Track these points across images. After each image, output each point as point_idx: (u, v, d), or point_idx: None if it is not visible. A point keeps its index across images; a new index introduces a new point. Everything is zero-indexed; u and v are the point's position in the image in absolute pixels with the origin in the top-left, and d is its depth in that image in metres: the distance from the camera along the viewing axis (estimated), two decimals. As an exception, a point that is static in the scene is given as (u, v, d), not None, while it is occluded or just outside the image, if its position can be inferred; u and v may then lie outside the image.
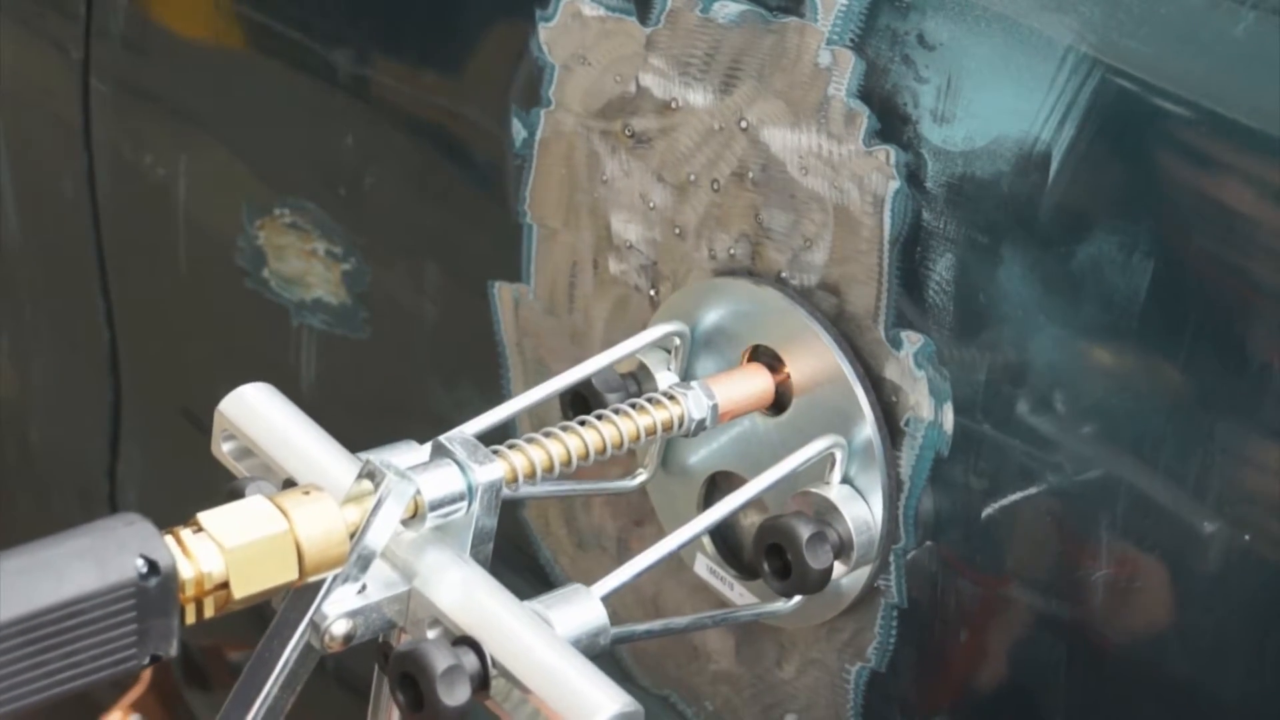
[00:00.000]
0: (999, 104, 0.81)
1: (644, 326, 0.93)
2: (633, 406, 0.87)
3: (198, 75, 1.23)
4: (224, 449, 0.82)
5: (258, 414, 0.82)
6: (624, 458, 0.90)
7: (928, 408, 0.84)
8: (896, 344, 0.85)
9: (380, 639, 0.77)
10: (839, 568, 0.87)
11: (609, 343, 0.94)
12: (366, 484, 0.76)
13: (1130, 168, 0.79)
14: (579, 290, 0.99)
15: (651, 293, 0.94)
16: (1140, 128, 0.78)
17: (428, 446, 0.80)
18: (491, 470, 0.78)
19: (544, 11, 0.96)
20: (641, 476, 0.96)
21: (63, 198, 1.35)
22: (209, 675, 1.41)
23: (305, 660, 0.75)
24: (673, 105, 0.91)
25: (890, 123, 0.83)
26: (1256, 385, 0.75)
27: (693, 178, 0.91)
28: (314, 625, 0.74)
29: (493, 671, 0.73)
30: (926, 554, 0.86)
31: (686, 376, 0.92)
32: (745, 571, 0.95)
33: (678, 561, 0.97)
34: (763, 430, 0.91)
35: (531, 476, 0.82)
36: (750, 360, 0.90)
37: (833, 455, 0.87)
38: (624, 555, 1.01)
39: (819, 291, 0.87)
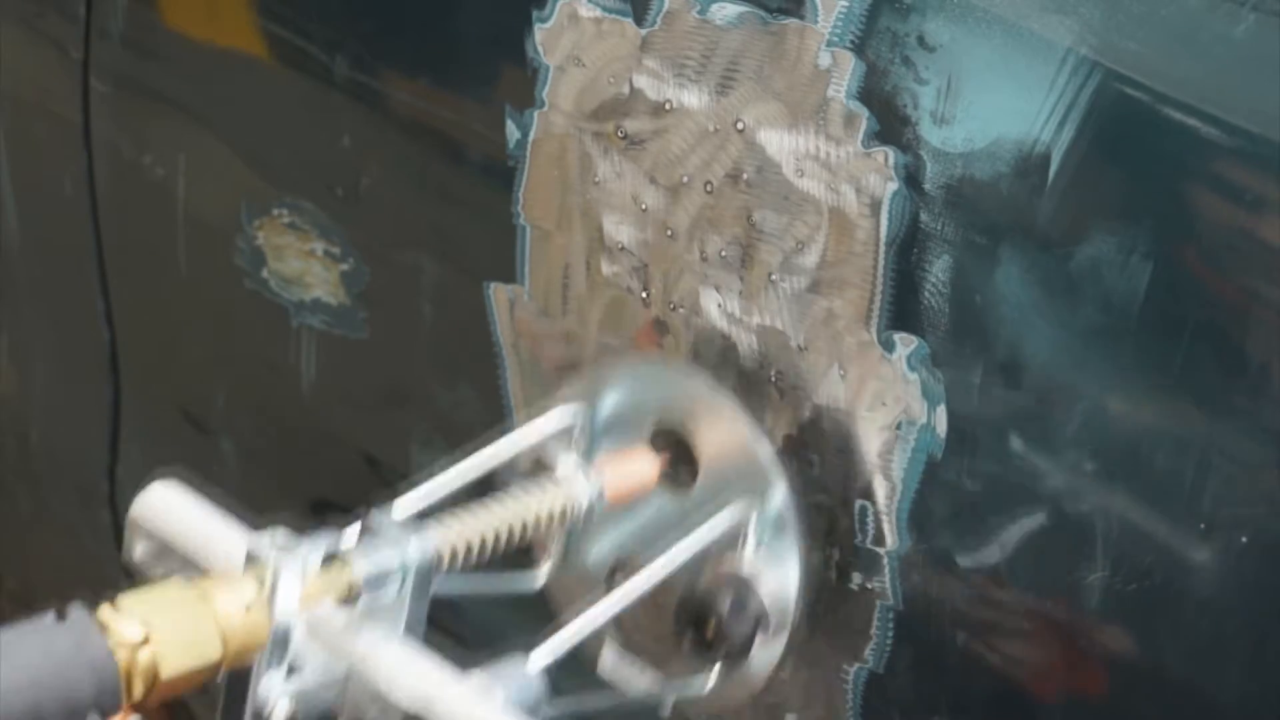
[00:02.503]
0: (999, 106, 0.81)
1: (636, 329, 0.93)
2: (526, 493, 0.86)
3: (197, 75, 1.23)
4: (137, 552, 0.82)
5: (171, 511, 0.82)
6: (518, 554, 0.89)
7: (920, 410, 0.84)
8: (889, 347, 0.85)
9: None
10: (759, 639, 0.87)
11: (602, 345, 0.94)
12: (256, 567, 0.76)
13: (1129, 170, 0.79)
14: (572, 292, 0.99)
15: (644, 295, 0.94)
16: (1140, 130, 0.78)
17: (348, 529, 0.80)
18: (425, 546, 0.78)
19: (540, 12, 0.96)
20: (545, 570, 0.94)
21: (63, 197, 1.35)
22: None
23: None
24: (666, 107, 0.91)
25: (889, 124, 0.83)
26: (1254, 387, 0.75)
27: (685, 179, 0.91)
28: (257, 712, 0.74)
29: None
30: (920, 556, 0.86)
31: (589, 459, 0.91)
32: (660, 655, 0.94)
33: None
34: (670, 509, 0.91)
35: (457, 556, 0.82)
36: (656, 438, 0.90)
37: (746, 525, 0.87)
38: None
39: (809, 294, 0.87)
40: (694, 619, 0.86)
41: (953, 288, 0.82)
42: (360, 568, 0.77)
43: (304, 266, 1.16)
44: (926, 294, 0.83)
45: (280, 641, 0.74)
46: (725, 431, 0.88)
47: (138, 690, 0.70)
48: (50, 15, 1.33)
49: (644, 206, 0.93)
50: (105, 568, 1.45)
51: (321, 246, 1.14)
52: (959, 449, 0.83)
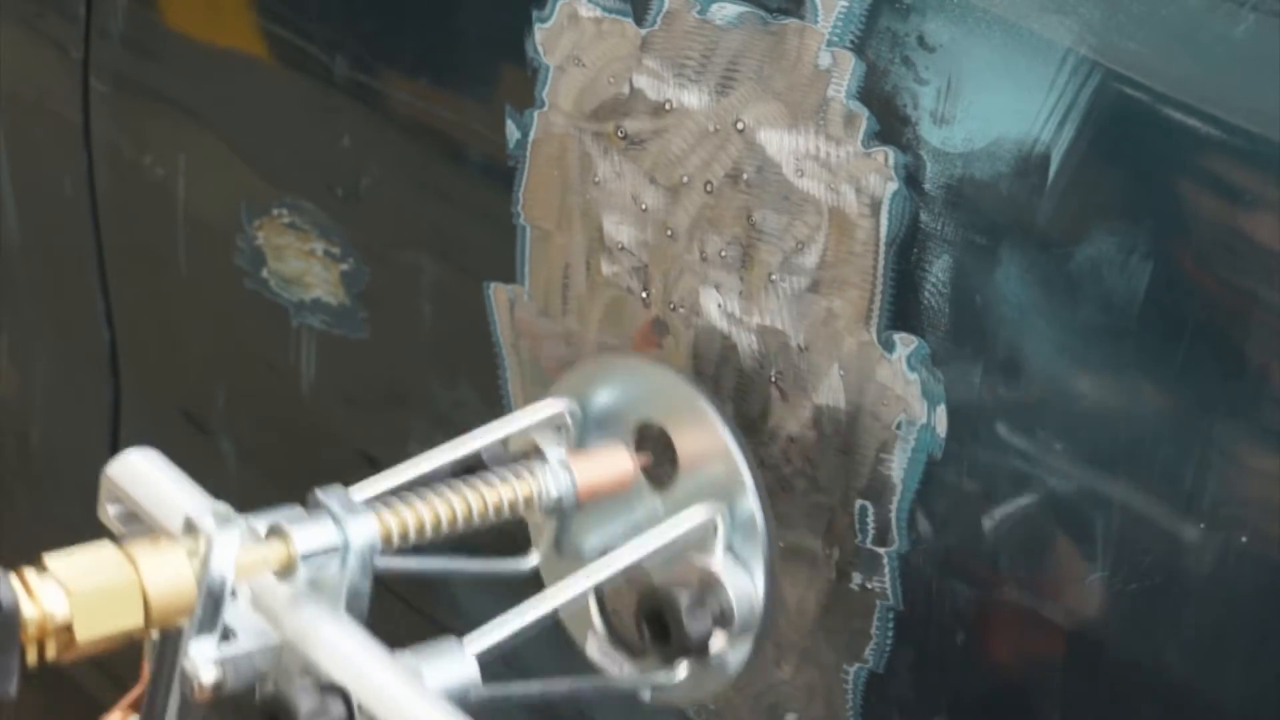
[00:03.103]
0: (999, 106, 0.81)
1: (636, 329, 0.93)
2: (499, 479, 0.87)
3: (197, 75, 1.23)
4: (109, 513, 0.82)
5: (140, 476, 0.82)
6: (517, 538, 0.90)
7: (920, 410, 0.84)
8: (889, 347, 0.85)
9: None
10: (720, 637, 0.87)
11: (602, 345, 0.94)
12: (195, 533, 0.76)
13: (1129, 170, 0.79)
14: (572, 292, 0.99)
15: (644, 295, 0.94)
16: (1139, 130, 0.78)
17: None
18: (365, 524, 0.79)
19: (540, 12, 0.96)
20: (534, 558, 0.95)
21: (63, 197, 1.35)
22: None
23: (189, 714, 0.75)
24: (666, 107, 0.91)
25: (889, 124, 0.83)
26: (1254, 387, 0.75)
27: (685, 179, 0.91)
28: (183, 674, 0.74)
29: None
30: (920, 556, 0.86)
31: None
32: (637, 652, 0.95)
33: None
34: (650, 507, 0.91)
35: (405, 535, 0.82)
36: (641, 438, 0.91)
37: (715, 525, 0.88)
38: None
39: (809, 294, 0.87)
40: (654, 614, 0.86)
41: (953, 288, 0.82)
42: (300, 542, 0.77)
43: (304, 266, 1.16)
44: (926, 294, 0.83)
45: (211, 607, 0.74)
46: (700, 433, 0.88)
47: (51, 650, 0.70)
48: (50, 15, 1.33)
49: (644, 206, 0.93)
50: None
51: (321, 246, 1.14)
52: (959, 449, 0.83)
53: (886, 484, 0.87)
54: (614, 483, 0.91)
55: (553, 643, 1.02)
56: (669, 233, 0.93)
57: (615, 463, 0.91)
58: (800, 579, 0.92)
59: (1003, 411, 0.82)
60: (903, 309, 0.84)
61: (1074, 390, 0.80)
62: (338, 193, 1.13)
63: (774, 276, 0.88)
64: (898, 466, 0.86)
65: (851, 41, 0.84)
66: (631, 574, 0.91)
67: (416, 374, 1.13)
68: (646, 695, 0.93)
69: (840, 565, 0.90)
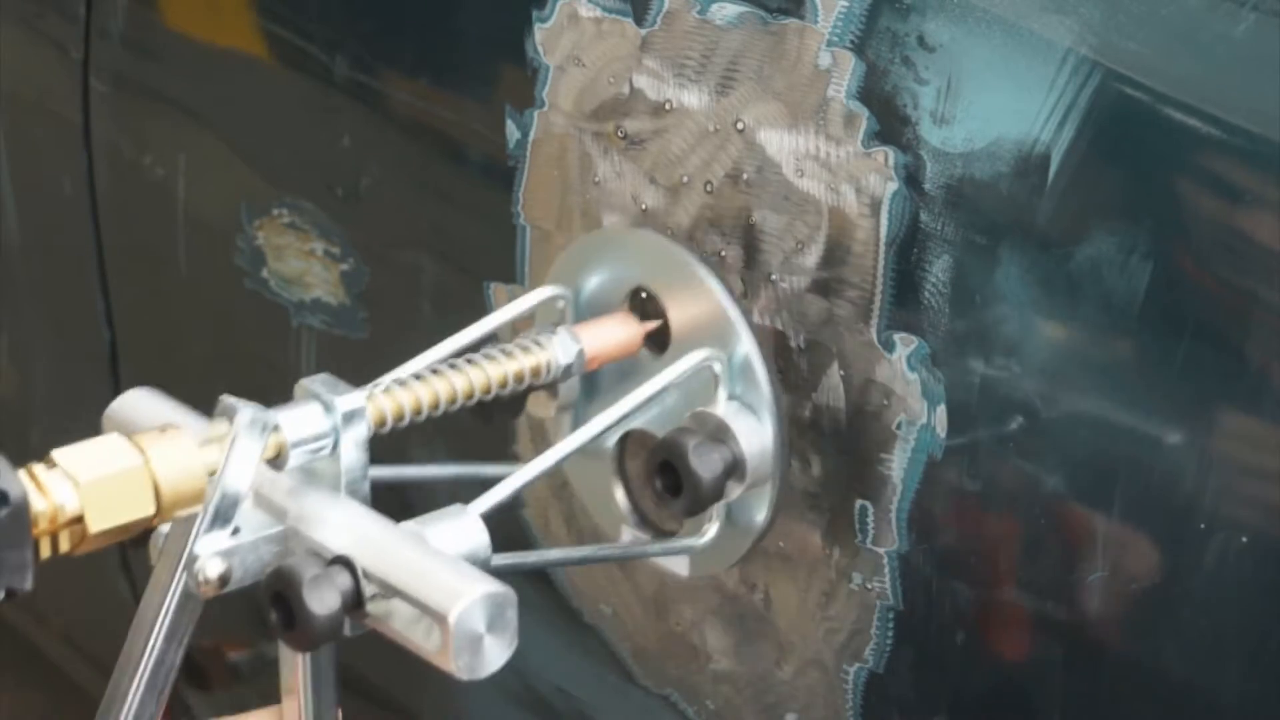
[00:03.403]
0: (999, 106, 0.81)
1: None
2: (503, 353, 0.87)
3: (197, 75, 1.23)
4: None
5: (142, 407, 0.82)
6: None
7: (920, 410, 0.84)
8: (889, 347, 0.85)
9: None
10: (734, 486, 0.87)
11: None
12: (223, 423, 0.75)
13: (1129, 170, 0.79)
14: (573, 292, 0.99)
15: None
16: (1140, 130, 0.78)
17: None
18: (352, 402, 0.77)
19: (540, 12, 0.96)
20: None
21: (63, 197, 1.35)
22: (209, 675, 1.41)
23: (186, 610, 0.75)
24: (667, 107, 0.91)
25: (889, 124, 0.83)
26: (1254, 387, 0.75)
27: (685, 179, 0.91)
28: (189, 569, 0.74)
29: (368, 590, 0.72)
30: (921, 556, 0.86)
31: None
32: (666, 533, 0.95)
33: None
34: (653, 373, 0.91)
35: (400, 417, 0.82)
36: (632, 309, 0.91)
37: (713, 371, 0.88)
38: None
39: (809, 294, 0.87)
40: (664, 463, 0.86)
41: (953, 288, 0.82)
42: (288, 428, 0.76)
43: (304, 266, 1.16)
44: (926, 294, 0.83)
45: (229, 503, 0.74)
46: (689, 289, 0.88)
47: (65, 543, 0.70)
48: (50, 15, 1.33)
49: (644, 206, 0.93)
50: (106, 567, 1.45)
51: (321, 246, 1.14)
52: (959, 449, 0.83)
53: (886, 484, 0.87)
54: (621, 345, 0.91)
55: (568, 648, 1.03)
56: (669, 233, 0.93)
57: (618, 325, 0.91)
58: (800, 579, 0.92)
59: (1003, 412, 0.82)
60: (903, 309, 0.84)
61: (1074, 390, 0.80)
62: (338, 193, 1.13)
63: (774, 276, 0.88)
64: (898, 466, 0.86)
65: (851, 41, 0.84)
66: (637, 437, 0.92)
67: (416, 374, 1.13)
68: (684, 568, 0.92)
69: (840, 565, 0.90)
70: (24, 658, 1.72)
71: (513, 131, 0.99)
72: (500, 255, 1.01)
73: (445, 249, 1.08)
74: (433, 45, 1.05)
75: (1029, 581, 0.83)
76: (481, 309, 1.03)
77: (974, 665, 0.87)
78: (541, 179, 0.98)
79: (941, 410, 0.83)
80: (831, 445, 0.88)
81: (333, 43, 1.10)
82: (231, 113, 1.21)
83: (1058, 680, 0.84)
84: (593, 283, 0.93)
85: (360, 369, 1.17)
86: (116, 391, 1.33)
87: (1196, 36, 0.78)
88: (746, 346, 0.88)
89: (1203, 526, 0.77)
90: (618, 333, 0.91)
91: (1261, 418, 0.75)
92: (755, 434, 0.87)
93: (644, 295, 0.92)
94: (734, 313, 0.88)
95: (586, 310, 0.93)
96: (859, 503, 0.88)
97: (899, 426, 0.85)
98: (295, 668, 0.79)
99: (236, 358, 1.27)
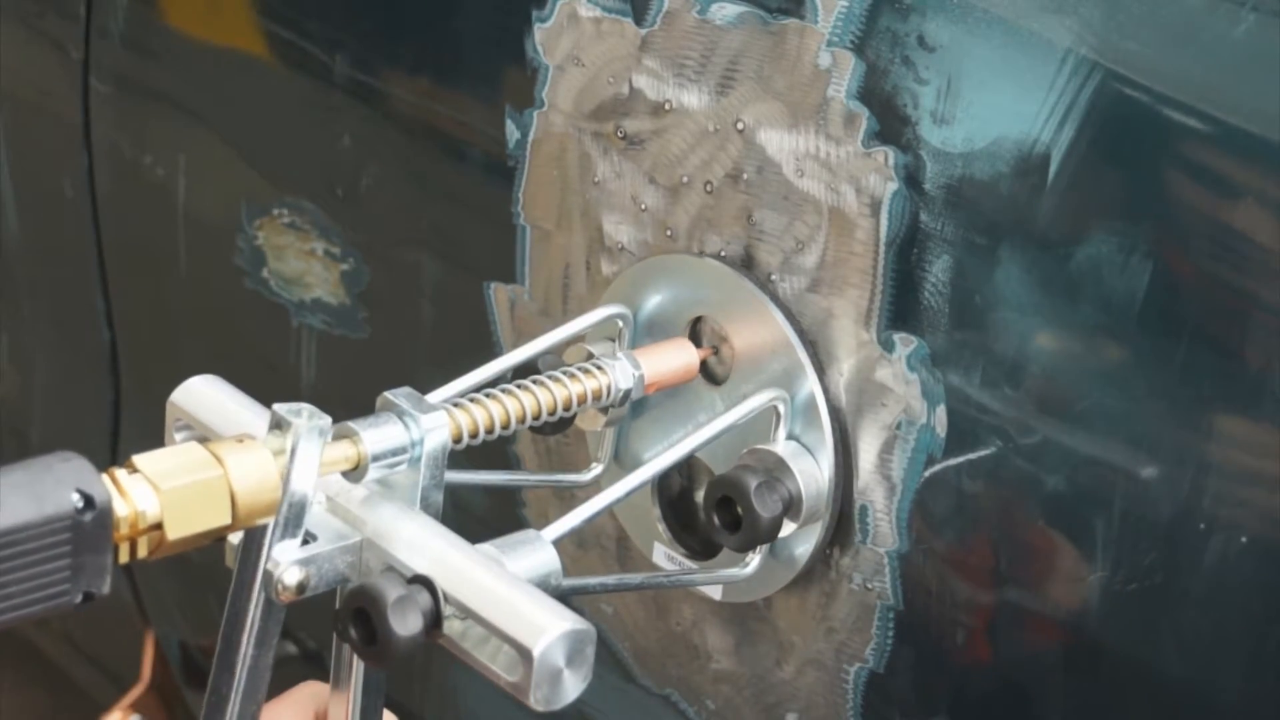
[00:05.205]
0: (999, 106, 0.81)
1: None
2: (567, 375, 0.87)
3: (197, 75, 1.23)
4: (177, 441, 0.82)
5: (206, 397, 0.82)
6: (576, 454, 0.91)
7: (920, 410, 0.84)
8: (889, 347, 0.85)
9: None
10: (789, 524, 0.87)
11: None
12: (279, 434, 0.75)
13: (1129, 170, 0.79)
14: (572, 292, 0.99)
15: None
16: (1139, 130, 0.78)
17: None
18: (434, 420, 0.78)
19: (540, 12, 0.96)
20: (596, 470, 0.97)
21: (63, 197, 1.35)
22: (209, 675, 1.41)
23: (271, 616, 0.75)
24: (666, 107, 0.91)
25: (889, 124, 0.83)
26: (1253, 387, 0.75)
27: (685, 179, 0.91)
28: (267, 576, 0.74)
29: (446, 610, 0.73)
30: (921, 556, 0.86)
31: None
32: (703, 554, 0.96)
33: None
34: (708, 403, 0.92)
35: (475, 434, 0.82)
36: (692, 335, 0.92)
37: (776, 411, 0.88)
38: (623, 555, 1.01)
39: (809, 294, 0.87)
40: (723, 498, 0.87)
41: (953, 288, 0.82)
42: (369, 442, 0.77)
43: (304, 266, 1.16)
44: (926, 294, 0.83)
45: (296, 509, 0.74)
46: (756, 323, 0.89)
47: (143, 548, 0.70)
48: (50, 15, 1.33)
49: (644, 206, 0.93)
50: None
51: (321, 246, 1.14)
52: (959, 449, 0.83)
53: (886, 484, 0.87)
54: (679, 372, 0.91)
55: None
56: (669, 233, 0.93)
57: (678, 352, 0.91)
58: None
59: (1002, 412, 0.82)
60: (903, 309, 0.84)
61: (1074, 390, 0.80)
62: (338, 193, 1.13)
63: (774, 276, 0.88)
64: (898, 466, 0.86)
65: (851, 41, 0.84)
66: (696, 471, 0.92)
67: (417, 374, 1.13)
68: (717, 593, 0.93)
69: (840, 565, 0.90)
70: (24, 658, 1.72)
71: (512, 131, 0.99)
72: (500, 255, 1.01)
73: (445, 249, 1.08)
74: (433, 45, 1.05)
75: (1028, 581, 0.83)
76: (481, 309, 1.03)
77: (974, 665, 0.87)
78: (541, 179, 0.98)
79: (941, 410, 0.83)
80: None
81: (333, 42, 1.10)
82: (231, 113, 1.21)
83: (1057, 680, 0.84)
84: (652, 304, 0.93)
85: (360, 369, 1.17)
86: (117, 391, 1.33)
87: (1196, 36, 0.78)
88: (812, 388, 0.88)
89: (1202, 527, 0.77)
90: (676, 360, 0.91)
91: (1261, 417, 0.75)
92: (813, 477, 0.88)
93: (699, 321, 0.92)
94: (803, 355, 0.88)
95: (644, 331, 0.93)
96: (859, 503, 0.88)
97: (899, 426, 0.85)
98: (349, 670, 0.79)
99: (236, 358, 1.27)
